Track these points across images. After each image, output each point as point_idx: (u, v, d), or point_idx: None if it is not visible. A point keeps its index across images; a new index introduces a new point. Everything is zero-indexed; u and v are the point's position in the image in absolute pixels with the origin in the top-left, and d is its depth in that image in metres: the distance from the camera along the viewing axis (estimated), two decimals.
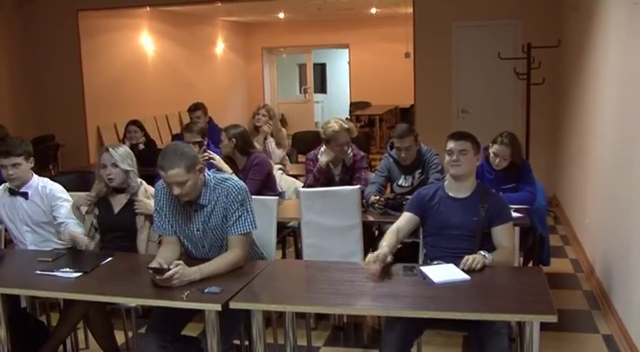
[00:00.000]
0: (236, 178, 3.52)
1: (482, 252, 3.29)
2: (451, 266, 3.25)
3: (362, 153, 5.32)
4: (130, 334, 4.24)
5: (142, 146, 7.03)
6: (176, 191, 3.30)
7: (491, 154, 4.80)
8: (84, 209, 4.03)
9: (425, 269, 3.24)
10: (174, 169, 3.25)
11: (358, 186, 4.56)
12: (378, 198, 4.65)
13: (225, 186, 3.41)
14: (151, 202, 3.80)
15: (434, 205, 3.63)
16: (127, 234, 3.99)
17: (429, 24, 8.71)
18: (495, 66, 8.08)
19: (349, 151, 5.20)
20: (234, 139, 5.16)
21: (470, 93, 8.77)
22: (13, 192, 4.14)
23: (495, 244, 3.51)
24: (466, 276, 3.14)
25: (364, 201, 4.64)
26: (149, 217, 3.88)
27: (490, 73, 8.54)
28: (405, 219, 3.66)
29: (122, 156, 3.98)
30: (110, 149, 4.00)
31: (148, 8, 11.64)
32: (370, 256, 3.26)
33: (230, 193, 3.39)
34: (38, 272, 3.45)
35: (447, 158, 3.57)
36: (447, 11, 8.61)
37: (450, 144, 3.56)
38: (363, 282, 3.20)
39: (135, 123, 7.27)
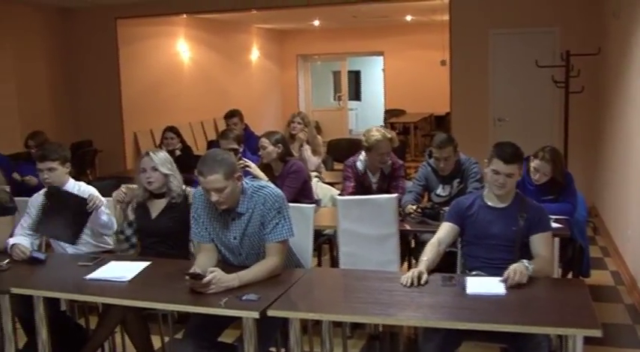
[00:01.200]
0: (273, 186, 3.52)
1: (524, 262, 3.23)
2: (495, 280, 3.17)
3: (400, 162, 5.29)
4: (167, 339, 4.26)
5: (178, 152, 7.08)
6: (214, 198, 3.31)
7: (532, 169, 4.71)
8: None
9: (466, 280, 3.20)
10: (213, 175, 3.26)
11: (396, 195, 4.54)
12: (415, 207, 4.61)
13: (262, 193, 3.41)
14: None
15: (472, 214, 3.58)
16: (165, 239, 4.01)
17: (465, 31, 8.65)
18: (533, 74, 8.00)
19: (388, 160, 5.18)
20: (279, 145, 5.16)
21: (506, 102, 8.68)
22: None
23: (533, 253, 3.44)
24: (502, 291, 3.07)
25: (401, 209, 4.61)
26: None
27: (527, 81, 8.45)
28: (446, 230, 3.61)
29: (162, 160, 4.01)
30: (150, 153, 4.05)
31: (185, 16, 11.76)
32: (406, 278, 3.20)
33: (267, 201, 3.39)
34: (87, 277, 3.49)
35: (492, 176, 3.48)
36: (483, 18, 8.55)
37: (499, 166, 3.44)
38: (401, 292, 3.17)
39: (171, 129, 7.33)
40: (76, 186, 4.24)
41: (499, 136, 8.24)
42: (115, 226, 4.19)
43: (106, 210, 4.14)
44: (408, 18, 14.14)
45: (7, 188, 4.37)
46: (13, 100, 9.45)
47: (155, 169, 3.99)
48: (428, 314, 2.89)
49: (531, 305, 3.01)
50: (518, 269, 3.16)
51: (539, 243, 3.45)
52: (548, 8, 8.34)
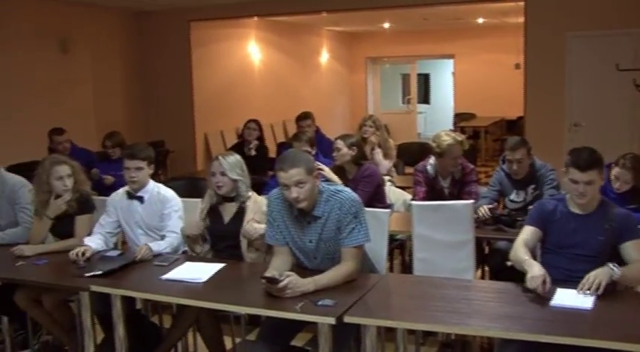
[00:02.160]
0: (349, 190, 3.48)
1: (610, 265, 3.07)
2: (581, 295, 3.02)
3: (471, 166, 5.20)
4: (238, 340, 4.27)
5: (253, 152, 7.14)
6: (294, 193, 3.28)
7: (612, 177, 4.54)
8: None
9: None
10: (294, 169, 3.26)
11: (472, 201, 4.45)
12: (488, 210, 4.51)
13: (338, 197, 3.38)
14: (259, 226, 3.85)
15: (555, 220, 3.41)
16: (237, 242, 4.02)
17: (541, 34, 8.43)
18: (612, 77, 7.74)
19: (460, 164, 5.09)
20: (354, 148, 5.14)
21: (583, 106, 8.42)
22: (130, 196, 4.25)
23: (628, 261, 3.23)
24: (589, 305, 2.93)
25: (476, 216, 4.51)
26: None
27: (606, 85, 8.18)
28: (529, 233, 3.44)
29: (231, 164, 4.01)
30: (220, 157, 4.06)
31: (256, 18, 11.86)
32: (537, 284, 3.04)
33: (344, 205, 3.35)
34: (163, 277, 3.53)
35: (570, 185, 3.33)
36: (560, 21, 8.31)
37: (575, 175, 3.28)
38: (479, 301, 3.11)
39: (255, 121, 7.42)
40: (156, 188, 4.28)
41: (575, 142, 8.02)
42: (179, 245, 4.16)
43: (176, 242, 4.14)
44: (480, 20, 13.91)
45: (89, 187, 4.46)
46: (90, 101, 9.71)
47: (224, 174, 4.00)
48: (508, 325, 2.80)
49: (621, 320, 2.86)
50: (600, 272, 3.01)
51: (633, 249, 3.24)
52: (629, 9, 8.05)
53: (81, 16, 9.39)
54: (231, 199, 4.05)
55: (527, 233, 3.44)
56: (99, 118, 9.70)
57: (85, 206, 4.33)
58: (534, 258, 3.35)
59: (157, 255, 3.94)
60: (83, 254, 3.86)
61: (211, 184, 4.05)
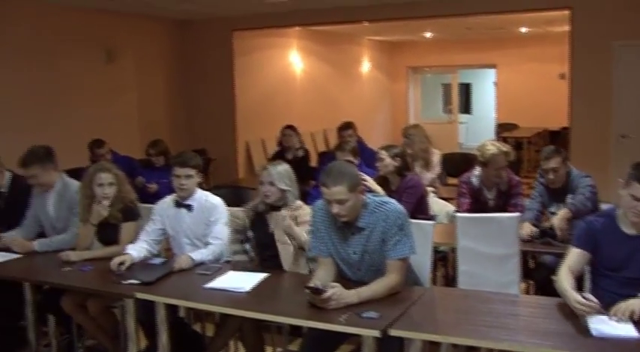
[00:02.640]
0: (395, 201, 3.45)
1: None
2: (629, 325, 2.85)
3: (517, 179, 5.11)
4: (279, 350, 4.27)
5: (300, 152, 7.32)
6: (335, 209, 3.28)
7: None
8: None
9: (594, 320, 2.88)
10: (337, 187, 3.24)
11: (517, 214, 4.38)
12: (531, 231, 4.44)
13: (384, 209, 3.36)
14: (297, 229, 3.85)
15: (604, 241, 3.20)
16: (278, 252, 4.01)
17: (587, 43, 8.29)
18: None
19: (504, 175, 5.01)
20: (398, 159, 5.11)
21: (631, 117, 8.25)
22: (178, 204, 4.27)
23: None
24: (634, 334, 2.77)
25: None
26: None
27: None
28: (576, 258, 3.23)
29: (280, 174, 4.02)
30: (269, 167, 4.07)
31: (298, 28, 11.91)
32: (585, 308, 2.89)
33: (389, 217, 3.33)
34: (206, 286, 3.54)
35: (630, 202, 3.07)
36: (607, 29, 8.16)
37: (638, 191, 3.05)
38: (527, 317, 3.06)
39: (290, 127, 7.46)
40: (203, 197, 4.29)
41: (622, 154, 7.89)
42: (222, 252, 4.17)
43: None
44: (523, 29, 13.75)
45: (134, 195, 4.50)
46: (134, 109, 9.84)
47: (272, 184, 4.00)
48: (559, 344, 2.73)
49: None
50: (634, 302, 2.86)
51: None
52: None
53: (126, 25, 9.54)
54: (278, 208, 4.04)
55: (574, 256, 3.24)
56: (142, 126, 9.81)
57: (129, 214, 4.37)
58: (582, 281, 3.24)
59: (200, 264, 3.95)
60: (122, 263, 3.90)
61: (259, 193, 4.06)
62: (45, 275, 4.13)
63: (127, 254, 4.01)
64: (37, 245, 4.38)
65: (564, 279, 3.10)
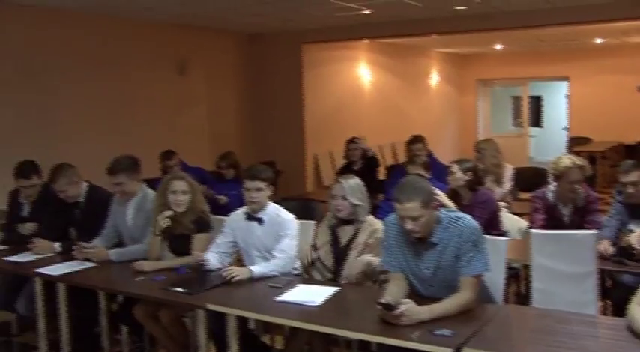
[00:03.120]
0: (469, 217, 3.39)
1: None
2: None
3: (595, 195, 4.95)
4: None
5: (370, 152, 7.42)
6: (409, 225, 3.25)
7: None
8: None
9: None
10: (410, 203, 3.20)
11: (595, 231, 4.24)
12: (609, 250, 4.29)
13: (458, 225, 3.31)
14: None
15: None
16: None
17: None
18: None
19: (580, 191, 4.86)
20: (469, 173, 5.05)
21: None
22: (249, 217, 4.28)
23: None
24: None
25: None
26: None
27: None
28: None
29: (352, 188, 4.00)
30: (342, 180, 4.05)
31: (367, 41, 11.90)
32: None
33: (463, 233, 3.28)
34: (277, 299, 3.55)
35: None
36: None
37: None
38: (607, 339, 2.94)
39: (352, 141, 7.47)
40: (275, 211, 4.28)
41: None
42: (287, 265, 4.13)
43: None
44: (598, 41, 13.43)
45: (206, 206, 4.55)
46: (204, 121, 10.00)
47: (344, 198, 3.99)
48: None
49: None
50: None
51: None
52: None
53: (197, 39, 9.72)
54: (349, 222, 4.03)
55: None
56: (212, 138, 9.97)
57: (202, 225, 4.42)
58: None
59: (261, 278, 3.95)
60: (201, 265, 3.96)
61: (331, 207, 4.04)
62: (119, 284, 4.22)
63: (206, 257, 4.07)
64: (113, 254, 4.48)
65: (636, 313, 2.95)
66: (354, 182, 4.06)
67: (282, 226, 4.19)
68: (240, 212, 4.37)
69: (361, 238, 3.99)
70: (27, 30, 7.50)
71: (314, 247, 4.12)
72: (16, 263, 4.64)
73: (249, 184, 4.18)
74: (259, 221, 4.24)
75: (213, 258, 4.16)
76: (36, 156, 5.36)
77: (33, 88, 7.58)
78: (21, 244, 4.91)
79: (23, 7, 7.32)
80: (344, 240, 4.05)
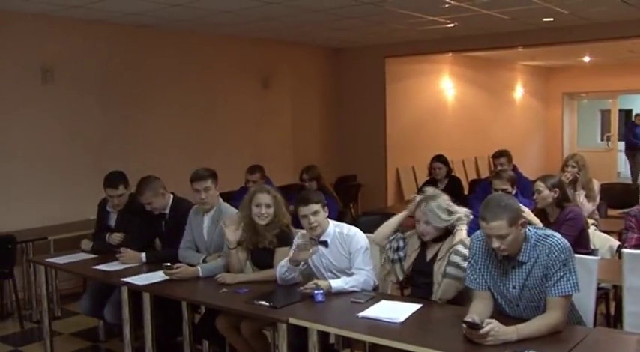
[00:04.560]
0: (559, 235, 3.28)
1: None
2: None
3: None
4: None
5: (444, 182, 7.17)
6: (496, 244, 3.17)
7: None
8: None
9: None
10: (496, 221, 3.12)
11: None
12: None
13: (547, 243, 3.20)
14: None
15: None
16: (432, 281, 3.90)
17: None
18: None
19: None
20: (556, 189, 4.91)
21: None
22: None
23: None
24: None
25: None
26: None
27: None
28: None
29: (433, 213, 3.83)
30: (422, 205, 3.90)
31: (450, 54, 11.79)
32: None
33: (552, 251, 3.17)
34: (359, 315, 3.53)
35: None
36: None
37: None
38: None
39: (438, 158, 7.34)
40: (337, 229, 4.21)
41: None
42: (367, 281, 4.06)
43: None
44: None
45: (289, 220, 4.56)
46: (288, 134, 10.10)
47: (427, 223, 3.87)
48: None
49: None
50: None
51: None
52: None
53: (281, 53, 9.85)
54: (438, 239, 3.94)
55: None
56: (295, 151, 10.06)
57: (284, 239, 4.41)
58: None
59: (340, 292, 3.91)
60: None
61: (418, 229, 3.96)
62: (202, 295, 4.28)
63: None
64: (200, 271, 4.51)
65: None
66: (435, 204, 3.89)
67: (351, 243, 4.14)
68: (302, 235, 4.30)
69: (441, 253, 3.89)
70: (116, 46, 7.78)
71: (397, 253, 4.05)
72: (104, 271, 4.78)
73: (304, 210, 4.11)
74: (324, 244, 4.19)
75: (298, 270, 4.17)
76: (123, 168, 5.52)
77: (121, 101, 7.86)
78: (109, 253, 5.06)
79: (111, 24, 7.59)
80: (429, 255, 3.94)
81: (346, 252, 4.15)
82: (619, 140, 16.86)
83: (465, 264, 3.61)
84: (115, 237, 5.29)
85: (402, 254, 4.04)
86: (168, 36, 8.24)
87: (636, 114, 15.25)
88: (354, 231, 4.21)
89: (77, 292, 6.45)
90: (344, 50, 10.76)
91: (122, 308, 4.51)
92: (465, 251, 3.69)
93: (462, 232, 3.87)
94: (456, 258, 3.74)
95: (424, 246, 3.98)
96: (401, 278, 4.04)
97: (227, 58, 9.08)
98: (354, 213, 9.32)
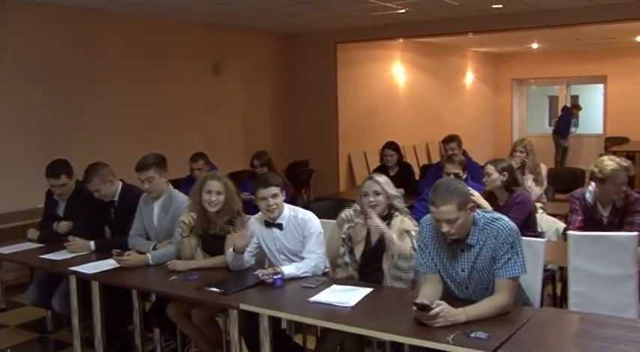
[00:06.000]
0: (507, 218, 3.32)
1: None
2: None
3: (636, 195, 4.83)
4: None
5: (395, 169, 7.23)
6: (445, 228, 3.19)
7: None
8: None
9: None
10: (445, 206, 3.15)
11: (636, 233, 4.13)
12: None
13: (495, 226, 3.24)
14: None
15: None
16: (381, 266, 3.92)
17: None
18: None
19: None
20: (505, 173, 4.97)
21: None
22: (268, 224, 4.23)
23: None
24: None
25: None
26: None
27: None
28: None
29: (387, 182, 3.97)
30: (373, 175, 4.02)
31: (402, 40, 11.83)
32: None
33: (500, 234, 3.21)
34: (310, 300, 3.53)
35: None
36: None
37: None
38: None
39: (390, 146, 7.39)
40: (292, 213, 4.22)
41: None
42: (318, 265, 4.08)
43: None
44: (638, 39, 13.17)
45: (240, 207, 4.53)
46: (239, 121, 10.03)
47: (377, 193, 3.94)
48: None
49: None
50: None
51: None
52: None
53: (232, 39, 9.76)
54: (384, 218, 3.96)
55: None
56: (247, 137, 10.01)
57: (235, 225, 4.39)
58: None
59: (292, 278, 3.91)
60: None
61: (362, 204, 3.98)
62: (152, 283, 4.23)
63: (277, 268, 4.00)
64: (150, 258, 4.45)
65: None
66: (385, 178, 4.04)
67: (305, 227, 4.15)
68: (256, 219, 4.32)
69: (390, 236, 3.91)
70: (63, 30, 7.60)
71: (345, 241, 4.05)
72: (51, 261, 4.69)
73: (263, 192, 4.10)
74: (279, 227, 4.19)
75: (247, 255, 4.16)
76: (71, 155, 5.42)
77: (68, 87, 7.69)
78: (57, 242, 4.96)
79: (59, 8, 7.41)
80: (374, 239, 3.98)
81: (300, 236, 4.16)
82: (549, 125, 17.21)
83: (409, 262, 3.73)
84: (63, 226, 5.18)
85: (347, 259, 4.03)
86: (117, 21, 8.09)
87: (574, 104, 15.62)
88: (310, 215, 4.22)
89: (23, 283, 6.33)
90: (295, 36, 10.71)
91: (70, 298, 4.43)
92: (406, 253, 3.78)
93: (406, 220, 3.92)
94: (403, 264, 3.79)
95: (368, 233, 4.00)
96: (354, 271, 4.04)
97: (178, 44, 8.95)
98: (305, 199, 9.31)
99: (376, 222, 3.87)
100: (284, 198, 4.22)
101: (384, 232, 3.86)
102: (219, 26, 9.41)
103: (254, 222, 4.31)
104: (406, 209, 4.03)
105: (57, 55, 7.55)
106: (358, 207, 4.03)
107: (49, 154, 5.61)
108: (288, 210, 4.24)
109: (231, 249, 4.13)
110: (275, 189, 4.12)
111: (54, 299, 4.83)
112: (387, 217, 3.96)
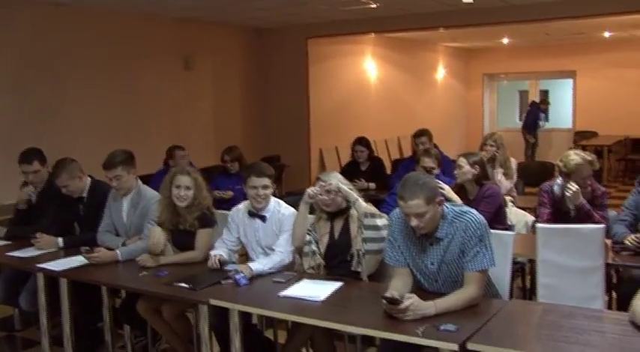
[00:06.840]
0: (475, 212, 3.35)
1: None
2: None
3: (602, 189, 4.89)
4: None
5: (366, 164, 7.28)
6: (414, 222, 3.21)
7: None
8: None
9: None
10: (414, 200, 3.16)
11: (603, 226, 4.19)
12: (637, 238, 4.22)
13: (463, 219, 3.26)
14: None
15: None
16: (350, 257, 3.92)
17: None
18: None
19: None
20: (477, 166, 5.00)
21: None
22: (252, 215, 4.25)
23: None
24: None
25: (612, 241, 4.28)
26: None
27: None
28: None
29: (336, 177, 3.99)
30: (321, 176, 4.03)
31: (373, 35, 11.86)
32: None
33: (469, 228, 3.24)
34: (281, 294, 3.53)
35: None
36: None
37: None
38: (614, 334, 2.88)
39: (360, 142, 7.42)
40: (277, 206, 4.24)
41: None
42: (284, 260, 4.08)
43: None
44: (606, 34, 13.34)
45: (210, 202, 4.50)
46: (210, 116, 9.98)
47: (329, 192, 3.91)
48: None
49: None
50: None
51: None
52: None
53: (203, 34, 9.71)
54: (343, 211, 3.97)
55: None
56: (218, 132, 9.96)
57: (205, 221, 4.37)
58: None
59: (260, 274, 3.91)
60: (219, 261, 3.99)
61: (318, 205, 3.99)
62: (122, 279, 4.19)
63: (219, 254, 4.08)
64: (119, 254, 4.41)
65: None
66: (335, 174, 4.07)
67: (284, 222, 4.16)
68: (241, 208, 4.33)
69: (353, 227, 3.92)
70: (33, 24, 7.50)
71: (311, 231, 4.04)
72: (18, 258, 4.62)
73: (256, 181, 4.11)
74: (262, 219, 4.20)
75: (225, 254, 4.16)
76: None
77: (38, 81, 7.59)
78: (24, 239, 4.89)
79: (25, 2, 7.30)
80: (337, 232, 3.98)
81: (277, 230, 4.17)
82: (519, 120, 17.34)
83: (379, 233, 3.71)
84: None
85: (313, 247, 4.02)
86: (87, 15, 7.99)
87: (542, 99, 15.77)
88: (290, 211, 4.21)
89: None
90: (266, 30, 10.68)
91: (38, 296, 4.37)
92: (375, 221, 3.78)
93: (361, 202, 3.92)
94: (369, 233, 3.79)
95: (332, 225, 4.00)
96: (320, 263, 4.03)
97: (148, 38, 8.88)
98: (277, 193, 9.28)
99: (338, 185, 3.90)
100: (273, 189, 4.24)
101: (347, 194, 3.90)
102: (190, 20, 9.35)
103: (237, 212, 4.32)
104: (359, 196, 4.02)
105: (26, 48, 7.44)
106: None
107: (15, 151, 5.50)
108: (274, 203, 4.25)
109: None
110: (267, 181, 4.14)
111: (21, 297, 4.77)
112: (345, 211, 3.97)
